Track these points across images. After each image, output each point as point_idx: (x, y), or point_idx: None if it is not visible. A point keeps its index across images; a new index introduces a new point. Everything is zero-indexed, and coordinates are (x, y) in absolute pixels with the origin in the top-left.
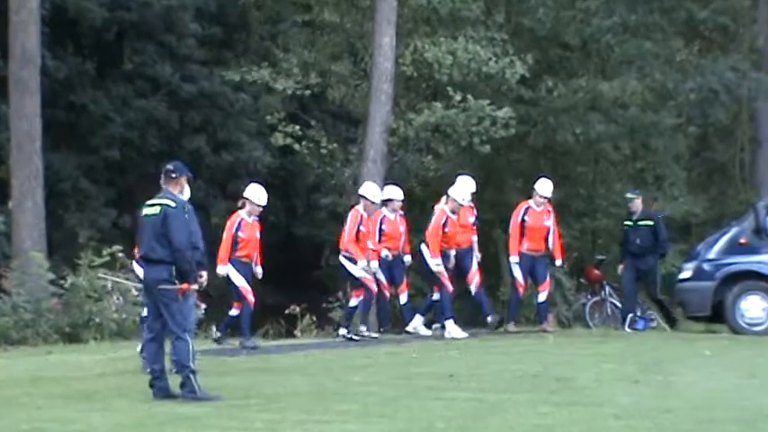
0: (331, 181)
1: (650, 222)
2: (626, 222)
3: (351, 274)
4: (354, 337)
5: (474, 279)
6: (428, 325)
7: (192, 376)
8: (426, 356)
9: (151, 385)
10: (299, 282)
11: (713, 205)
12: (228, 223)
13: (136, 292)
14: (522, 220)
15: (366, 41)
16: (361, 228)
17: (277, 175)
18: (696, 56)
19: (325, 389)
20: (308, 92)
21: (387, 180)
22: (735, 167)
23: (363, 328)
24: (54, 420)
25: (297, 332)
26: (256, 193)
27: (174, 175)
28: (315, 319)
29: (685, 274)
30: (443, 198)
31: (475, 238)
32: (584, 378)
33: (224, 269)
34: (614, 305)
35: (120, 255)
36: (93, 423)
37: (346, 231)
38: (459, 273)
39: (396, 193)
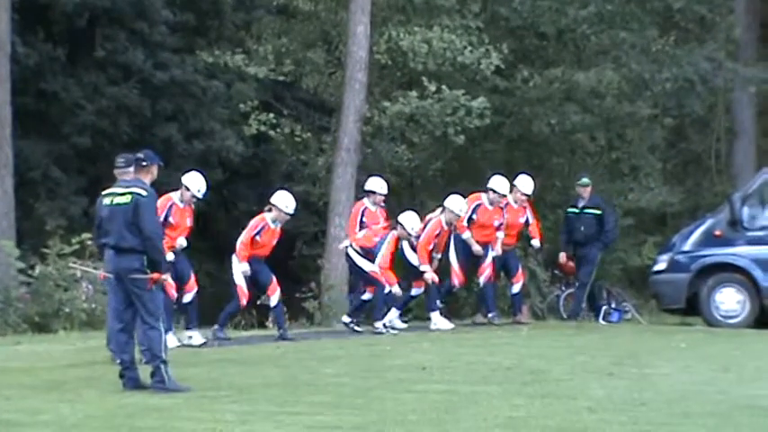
0: (305, 170)
1: (597, 211)
2: (570, 210)
3: (360, 269)
4: (357, 328)
5: (485, 272)
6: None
7: (162, 366)
8: (400, 348)
9: (121, 376)
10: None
11: (689, 197)
12: (252, 223)
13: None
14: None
15: (340, 30)
16: (364, 220)
17: (250, 164)
18: (672, 46)
19: (297, 380)
20: (281, 79)
21: (360, 169)
22: (710, 158)
23: (379, 325)
24: (22, 411)
25: (269, 323)
26: (284, 201)
27: (144, 164)
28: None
29: (660, 266)
30: (438, 209)
31: (500, 234)
32: (558, 370)
33: (245, 267)
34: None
35: (89, 243)
36: (63, 414)
37: (351, 224)
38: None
39: (379, 185)
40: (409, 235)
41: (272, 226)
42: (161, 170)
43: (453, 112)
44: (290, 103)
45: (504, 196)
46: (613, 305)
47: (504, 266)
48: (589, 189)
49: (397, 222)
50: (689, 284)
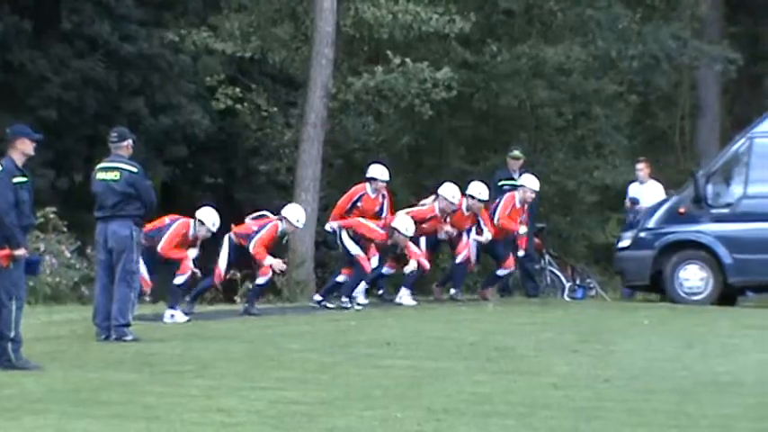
0: (272, 143)
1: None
2: (506, 182)
3: (347, 250)
4: (328, 305)
5: (462, 251)
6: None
7: (8, 345)
8: (365, 324)
9: None
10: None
11: (654, 174)
12: (270, 226)
13: (69, 255)
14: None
15: (307, 5)
16: (359, 204)
17: (216, 139)
18: (638, 23)
19: (262, 355)
20: (248, 55)
21: (327, 145)
22: (675, 136)
23: (345, 299)
24: None
25: (236, 298)
26: (296, 214)
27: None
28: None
29: (624, 243)
30: (432, 196)
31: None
32: (522, 347)
33: (272, 260)
34: (554, 274)
35: (52, 216)
36: (27, 388)
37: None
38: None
39: (380, 172)
40: (296, 228)
41: (280, 235)
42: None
43: (421, 84)
44: (257, 78)
45: (486, 202)
46: (578, 282)
47: (491, 253)
48: (521, 162)
49: (392, 228)
50: (653, 261)
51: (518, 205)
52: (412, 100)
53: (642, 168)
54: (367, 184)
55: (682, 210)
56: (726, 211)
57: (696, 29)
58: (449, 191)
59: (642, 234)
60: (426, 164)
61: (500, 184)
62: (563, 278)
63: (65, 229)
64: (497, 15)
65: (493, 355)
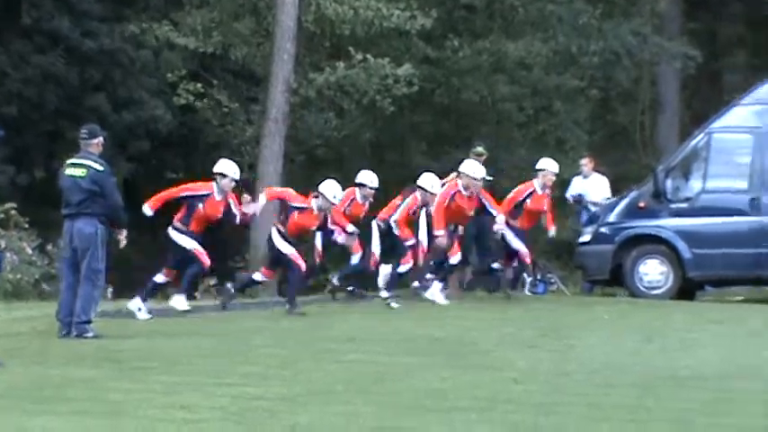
0: (233, 140)
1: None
2: None
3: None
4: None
5: (457, 252)
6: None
7: None
8: (328, 320)
9: None
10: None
11: (614, 169)
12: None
13: (30, 252)
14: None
15: (269, 1)
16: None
17: (178, 134)
18: (599, 19)
19: (225, 351)
20: (209, 50)
21: (288, 140)
22: (636, 131)
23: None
24: None
25: (197, 294)
26: (332, 190)
27: None
28: (217, 280)
29: (585, 238)
30: (453, 174)
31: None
32: (484, 342)
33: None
34: (515, 269)
35: (13, 213)
36: None
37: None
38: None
39: (369, 179)
40: (332, 204)
41: (316, 212)
42: None
43: (381, 80)
44: (219, 74)
45: (483, 180)
46: (539, 277)
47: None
48: (484, 158)
49: (318, 192)
50: (613, 256)
51: (539, 192)
52: (373, 96)
53: (586, 163)
54: (357, 189)
55: (641, 204)
56: (685, 205)
57: (656, 25)
58: (428, 181)
59: (602, 229)
60: (388, 159)
61: None
62: (524, 273)
63: (26, 226)
64: (459, 11)
65: (455, 351)
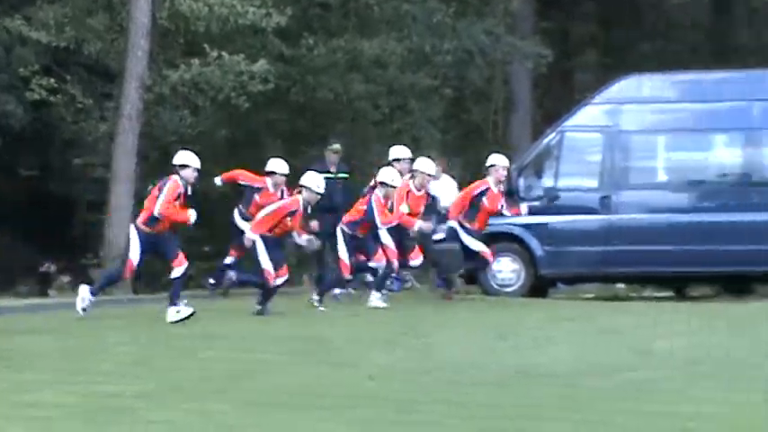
0: (87, 137)
1: (347, 175)
2: (325, 175)
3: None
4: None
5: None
6: None
7: None
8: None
9: None
10: (54, 240)
11: (468, 168)
12: (282, 203)
13: None
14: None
15: None
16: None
17: (31, 130)
18: (453, 18)
19: (78, 349)
20: (62, 45)
21: (142, 137)
22: (489, 130)
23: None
24: None
25: (51, 291)
26: (315, 181)
27: None
28: (72, 278)
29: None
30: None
31: None
32: (339, 339)
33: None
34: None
35: None
36: None
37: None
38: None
39: (279, 166)
40: (317, 195)
41: (301, 207)
42: None
43: (237, 77)
44: (72, 69)
45: (433, 176)
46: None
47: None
48: (340, 155)
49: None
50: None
51: (495, 190)
52: (228, 93)
53: (436, 165)
54: (267, 179)
55: None
56: (537, 203)
57: (509, 24)
58: (387, 175)
59: None
60: (244, 156)
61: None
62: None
63: None
64: (314, 9)
65: (310, 348)
